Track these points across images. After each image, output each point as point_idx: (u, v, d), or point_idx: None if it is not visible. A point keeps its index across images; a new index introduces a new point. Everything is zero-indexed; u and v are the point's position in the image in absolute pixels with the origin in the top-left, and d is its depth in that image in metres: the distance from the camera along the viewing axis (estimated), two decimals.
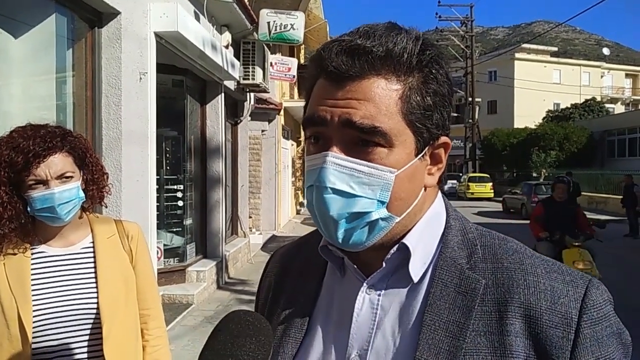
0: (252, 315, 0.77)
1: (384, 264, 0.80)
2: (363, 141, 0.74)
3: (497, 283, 0.77)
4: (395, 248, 0.80)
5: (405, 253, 0.80)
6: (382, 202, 0.75)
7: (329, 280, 0.90)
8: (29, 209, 1.60)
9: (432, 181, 0.82)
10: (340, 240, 0.77)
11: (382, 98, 0.74)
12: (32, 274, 1.62)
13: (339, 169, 0.74)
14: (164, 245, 7.42)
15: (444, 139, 0.81)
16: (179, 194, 7.77)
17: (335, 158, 0.75)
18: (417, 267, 0.80)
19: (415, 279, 0.80)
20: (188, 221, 8.00)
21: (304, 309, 0.89)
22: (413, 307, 0.79)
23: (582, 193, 24.61)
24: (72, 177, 1.64)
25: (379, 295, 0.81)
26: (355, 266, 0.84)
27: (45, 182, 1.58)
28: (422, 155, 0.78)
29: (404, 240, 0.79)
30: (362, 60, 0.73)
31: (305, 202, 0.86)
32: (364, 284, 0.82)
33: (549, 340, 0.72)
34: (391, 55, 0.74)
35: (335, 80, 0.75)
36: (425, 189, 0.81)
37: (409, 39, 0.75)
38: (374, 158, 0.74)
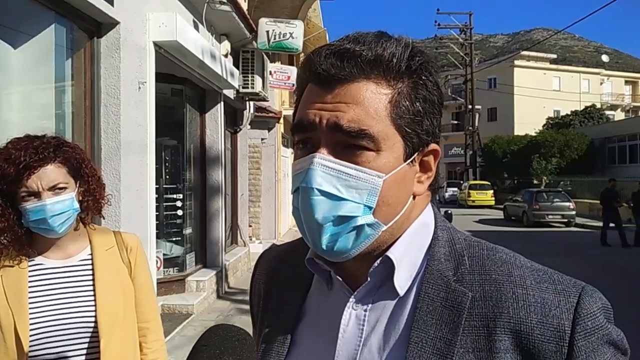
0: (235, 330, 0.75)
1: (368, 278, 0.78)
2: (351, 145, 0.73)
3: (485, 296, 0.74)
4: (378, 261, 0.78)
5: (389, 265, 0.78)
6: (369, 207, 0.74)
7: (315, 293, 0.88)
8: (23, 221, 1.58)
9: (421, 189, 0.80)
10: (324, 247, 0.74)
11: (371, 101, 0.73)
12: (29, 287, 1.61)
13: (326, 170, 0.73)
14: (164, 254, 7.39)
15: (433, 146, 0.80)
16: (179, 203, 7.75)
17: (322, 159, 0.73)
18: (403, 280, 0.78)
19: (401, 292, 0.78)
20: (187, 230, 7.98)
21: (288, 322, 0.87)
22: (399, 322, 0.77)
23: (583, 200, 24.65)
24: (65, 188, 1.62)
25: (366, 310, 0.80)
26: (341, 280, 0.82)
27: (37, 194, 1.57)
28: (411, 161, 0.77)
29: (388, 253, 0.77)
30: (352, 63, 0.73)
31: (291, 208, 0.84)
32: (351, 299, 0.80)
33: (541, 355, 0.70)
34: (380, 59, 0.74)
35: (325, 83, 0.75)
36: (414, 198, 0.79)
37: (398, 45, 0.75)
38: (361, 161, 0.73)
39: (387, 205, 0.75)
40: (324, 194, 0.73)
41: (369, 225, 0.74)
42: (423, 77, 0.77)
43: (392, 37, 0.77)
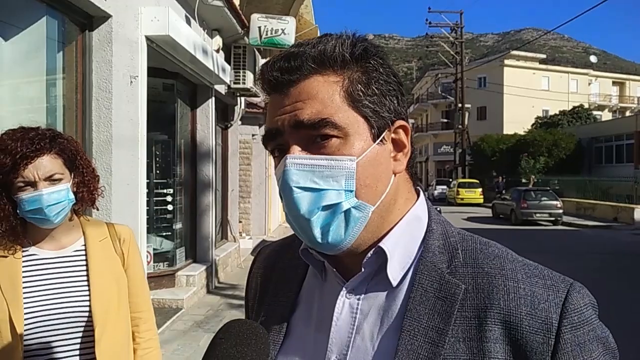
0: (250, 324, 0.78)
1: (362, 268, 0.80)
2: (318, 137, 0.76)
3: (477, 288, 0.76)
4: (372, 251, 0.79)
5: (382, 256, 0.79)
6: (350, 191, 0.76)
7: (310, 284, 0.90)
8: (18, 211, 1.60)
9: (399, 167, 0.82)
10: (319, 240, 0.76)
11: (324, 93, 0.76)
12: (23, 277, 1.62)
13: (299, 167, 0.76)
14: (154, 249, 7.38)
15: (400, 122, 0.82)
16: (169, 198, 7.73)
17: (293, 159, 0.76)
18: (396, 271, 0.80)
19: (394, 282, 0.80)
20: (178, 225, 7.97)
21: (284, 312, 0.89)
22: (392, 312, 0.79)
23: (570, 199, 24.88)
24: (61, 178, 1.63)
25: (359, 299, 0.81)
26: (335, 270, 0.84)
27: (33, 184, 1.58)
28: (381, 141, 0.79)
29: (380, 244, 0.79)
30: (298, 63, 0.77)
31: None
32: (344, 288, 0.82)
33: (529, 346, 0.72)
34: (324, 53, 0.77)
35: (279, 89, 0.79)
36: (395, 175, 0.81)
37: (338, 39, 0.79)
38: (331, 150, 0.76)
39: (366, 186, 0.77)
40: (304, 189, 0.75)
41: (355, 207, 0.76)
42: (372, 62, 0.80)
43: (334, 35, 0.81)
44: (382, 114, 0.79)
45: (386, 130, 0.80)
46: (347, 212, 0.76)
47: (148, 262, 6.74)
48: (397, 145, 0.82)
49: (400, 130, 0.82)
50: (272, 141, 0.81)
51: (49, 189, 1.59)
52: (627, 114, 52.05)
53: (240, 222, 11.82)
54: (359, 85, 0.78)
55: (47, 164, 1.61)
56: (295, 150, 0.77)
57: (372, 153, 0.78)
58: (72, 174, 1.70)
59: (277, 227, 16.08)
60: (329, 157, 0.76)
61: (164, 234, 7.78)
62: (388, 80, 0.81)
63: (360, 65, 0.79)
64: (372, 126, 0.78)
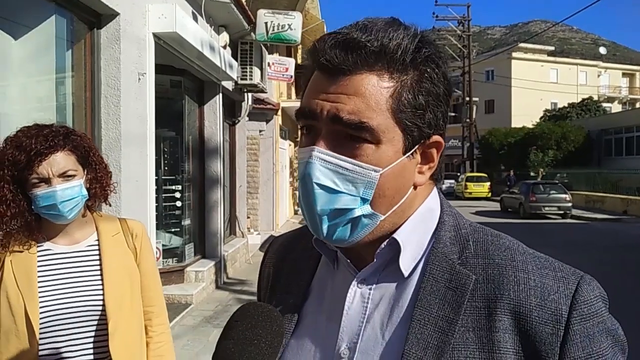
0: (265, 307, 0.79)
1: (375, 259, 0.81)
2: (351, 136, 0.75)
3: (488, 279, 0.77)
4: (385, 242, 0.80)
5: (395, 247, 0.80)
6: (365, 200, 0.76)
7: (322, 273, 0.91)
8: (33, 206, 1.63)
9: (422, 180, 0.81)
10: (324, 235, 0.78)
11: (372, 94, 0.74)
12: (38, 271, 1.65)
13: (323, 164, 0.75)
14: (163, 245, 7.43)
15: (436, 138, 0.80)
16: (177, 195, 7.78)
17: (320, 153, 0.75)
18: (408, 262, 0.81)
19: (406, 273, 0.80)
20: (186, 221, 8.02)
21: (296, 301, 0.90)
22: (403, 301, 0.80)
23: (579, 192, 24.74)
24: (74, 175, 1.66)
25: (370, 289, 0.82)
26: (348, 260, 0.84)
27: (47, 180, 1.61)
28: (412, 154, 0.78)
29: (394, 235, 0.80)
30: (355, 55, 0.73)
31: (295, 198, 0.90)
32: (356, 278, 0.83)
33: (538, 336, 0.72)
34: (385, 51, 0.74)
35: (328, 73, 0.76)
36: (415, 188, 0.81)
37: (405, 36, 0.75)
38: (359, 154, 0.75)
39: (383, 197, 0.77)
40: (322, 187, 0.75)
41: (365, 216, 0.77)
42: (429, 70, 0.77)
43: (401, 25, 0.77)
44: (422, 128, 0.77)
45: (419, 144, 0.79)
46: (356, 219, 0.77)
47: (157, 258, 6.79)
48: (426, 159, 0.81)
49: (433, 147, 0.81)
50: (304, 119, 0.79)
51: (63, 185, 1.62)
52: (638, 105, 51.62)
53: (248, 217, 11.87)
54: (409, 95, 0.75)
55: (61, 160, 1.64)
56: (325, 142, 0.76)
57: (399, 166, 0.77)
58: (85, 170, 1.73)
59: (284, 222, 16.12)
60: (355, 162, 0.75)
61: (173, 230, 7.83)
62: (438, 91, 0.78)
63: (419, 72, 0.76)
64: (407, 139, 0.77)
